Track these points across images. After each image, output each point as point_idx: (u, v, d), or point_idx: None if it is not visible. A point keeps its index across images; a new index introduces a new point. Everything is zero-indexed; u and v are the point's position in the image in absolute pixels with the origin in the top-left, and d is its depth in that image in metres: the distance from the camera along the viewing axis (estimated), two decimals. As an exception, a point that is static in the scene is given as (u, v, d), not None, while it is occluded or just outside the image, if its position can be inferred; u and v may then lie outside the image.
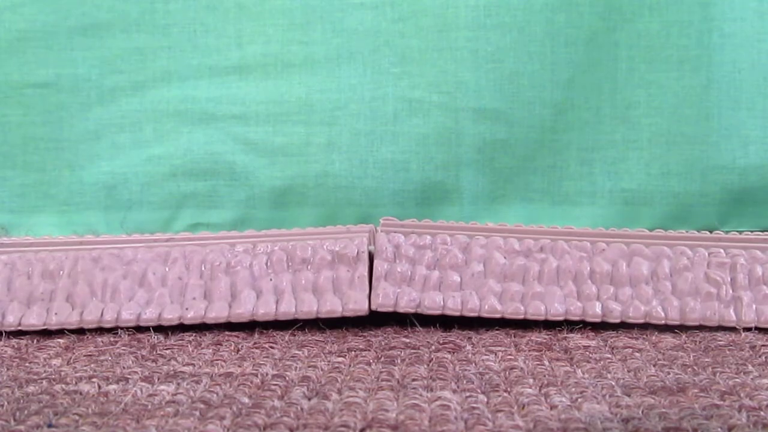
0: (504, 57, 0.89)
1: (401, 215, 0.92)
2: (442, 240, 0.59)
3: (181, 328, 0.58)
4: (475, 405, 0.39)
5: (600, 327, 0.57)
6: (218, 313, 0.56)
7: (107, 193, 0.90)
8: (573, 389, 0.42)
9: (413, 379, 0.44)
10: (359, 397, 0.41)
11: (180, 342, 0.54)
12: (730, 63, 0.85)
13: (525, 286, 0.57)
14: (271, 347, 0.52)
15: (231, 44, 0.90)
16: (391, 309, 0.56)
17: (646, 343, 0.53)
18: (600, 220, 0.86)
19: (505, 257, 0.58)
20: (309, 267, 0.58)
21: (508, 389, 0.42)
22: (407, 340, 0.54)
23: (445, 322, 0.59)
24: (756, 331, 0.56)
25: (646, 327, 0.57)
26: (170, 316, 0.56)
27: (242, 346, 0.53)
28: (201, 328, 0.59)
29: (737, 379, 0.44)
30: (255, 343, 0.53)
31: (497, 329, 0.57)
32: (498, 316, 0.56)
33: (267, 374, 0.46)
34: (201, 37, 0.89)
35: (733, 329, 0.57)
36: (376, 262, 0.58)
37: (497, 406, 0.39)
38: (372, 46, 0.89)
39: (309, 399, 0.41)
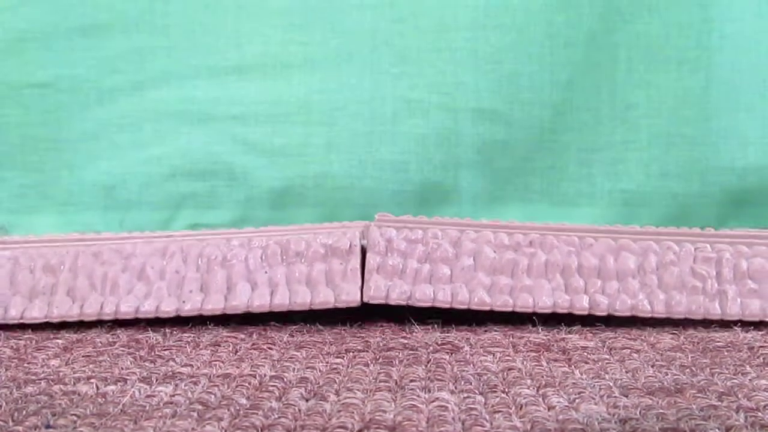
0: (503, 58, 0.89)
1: (400, 216, 0.92)
2: (433, 234, 0.60)
3: (180, 325, 0.59)
4: (472, 406, 0.39)
5: (597, 327, 0.57)
6: (214, 305, 0.58)
7: (106, 194, 0.89)
8: (571, 390, 0.42)
9: (411, 380, 0.44)
10: (357, 398, 0.41)
11: (178, 343, 0.54)
12: (729, 64, 0.85)
13: (514, 280, 0.58)
14: (270, 348, 0.52)
15: (230, 44, 0.90)
16: (382, 301, 0.57)
17: (644, 343, 0.53)
18: (599, 221, 0.86)
19: (494, 251, 0.59)
20: (303, 260, 0.59)
21: (506, 390, 0.42)
22: (405, 341, 0.54)
23: (443, 321, 0.59)
24: (754, 331, 0.56)
25: (643, 326, 0.57)
26: (168, 309, 0.58)
27: (240, 347, 0.53)
28: (199, 325, 0.59)
29: (735, 380, 0.44)
30: (253, 344, 0.53)
31: (495, 330, 0.57)
32: (487, 308, 0.57)
33: (265, 375, 0.46)
34: (200, 37, 0.89)
35: (730, 329, 0.57)
36: (368, 255, 0.59)
37: (495, 406, 0.39)
38: (371, 46, 0.89)
39: (307, 400, 0.41)
